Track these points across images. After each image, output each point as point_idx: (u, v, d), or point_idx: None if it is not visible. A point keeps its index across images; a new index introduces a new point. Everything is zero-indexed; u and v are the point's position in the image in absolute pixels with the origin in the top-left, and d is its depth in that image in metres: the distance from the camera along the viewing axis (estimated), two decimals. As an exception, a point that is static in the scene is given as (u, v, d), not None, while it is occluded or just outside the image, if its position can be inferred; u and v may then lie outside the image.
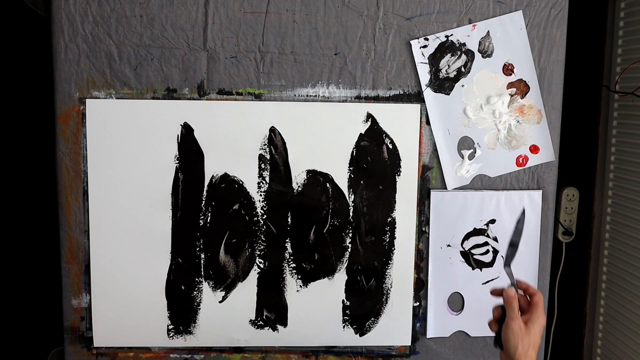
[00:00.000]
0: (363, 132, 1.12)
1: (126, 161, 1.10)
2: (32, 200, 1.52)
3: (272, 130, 1.10)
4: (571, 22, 1.13)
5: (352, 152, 1.12)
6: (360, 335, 1.18)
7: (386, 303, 1.17)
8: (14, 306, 1.56)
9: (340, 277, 1.16)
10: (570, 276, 1.43)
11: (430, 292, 1.17)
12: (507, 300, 0.91)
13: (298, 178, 1.12)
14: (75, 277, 1.13)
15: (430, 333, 1.18)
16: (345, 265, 1.16)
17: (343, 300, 1.17)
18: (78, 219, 1.11)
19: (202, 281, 1.14)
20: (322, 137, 1.11)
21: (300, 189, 1.13)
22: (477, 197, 1.15)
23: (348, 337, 1.18)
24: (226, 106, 1.10)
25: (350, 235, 1.15)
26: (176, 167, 1.11)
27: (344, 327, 1.17)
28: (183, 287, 1.14)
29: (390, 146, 1.12)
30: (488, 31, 1.11)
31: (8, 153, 1.51)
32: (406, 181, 1.13)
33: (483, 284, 1.18)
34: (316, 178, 1.13)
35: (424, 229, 1.15)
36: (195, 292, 1.14)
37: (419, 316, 1.18)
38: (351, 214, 1.14)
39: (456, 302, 1.18)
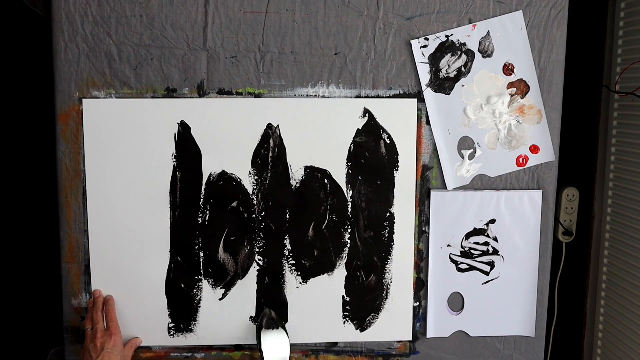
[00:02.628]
0: (360, 128, 1.12)
1: (124, 160, 1.10)
2: (32, 200, 1.52)
3: (269, 126, 1.10)
4: (571, 22, 1.13)
5: (350, 147, 1.12)
6: (361, 331, 1.18)
7: (386, 298, 1.17)
8: (14, 306, 1.56)
9: (340, 272, 1.16)
10: (570, 276, 1.43)
11: (430, 292, 1.17)
12: None
13: (296, 174, 1.12)
14: (75, 277, 1.13)
15: (430, 333, 1.18)
16: (345, 261, 1.16)
17: (343, 296, 1.17)
18: (78, 218, 1.11)
19: (201, 279, 1.14)
20: (319, 133, 1.11)
21: (298, 185, 1.13)
22: (477, 197, 1.15)
23: (348, 333, 1.18)
24: (223, 103, 1.10)
25: (349, 230, 1.15)
26: (174, 165, 1.11)
27: (344, 322, 1.17)
28: (183, 285, 1.14)
29: (388, 141, 1.12)
30: (488, 31, 1.11)
31: (8, 153, 1.51)
32: (404, 176, 1.13)
33: (483, 284, 1.18)
34: (314, 174, 1.13)
35: (423, 228, 1.15)
36: (195, 290, 1.15)
37: (419, 316, 1.18)
38: (349, 209, 1.14)
39: (456, 302, 1.18)
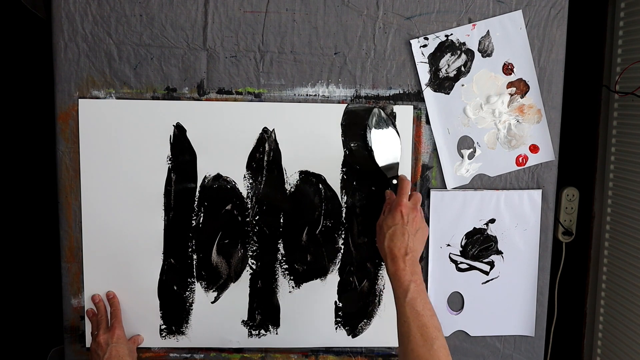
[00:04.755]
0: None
1: (119, 161, 1.09)
2: (32, 200, 1.53)
3: (265, 130, 1.10)
4: (571, 22, 1.13)
5: (345, 153, 1.12)
6: (353, 337, 1.17)
7: (378, 305, 1.17)
8: (14, 306, 1.56)
9: (333, 278, 1.15)
10: (570, 276, 1.44)
11: (430, 292, 1.17)
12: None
13: (291, 179, 1.12)
14: (75, 277, 1.13)
15: (430, 333, 1.18)
16: (338, 266, 1.15)
17: (335, 302, 1.16)
18: (78, 218, 1.11)
19: (194, 282, 1.14)
20: (315, 138, 1.11)
21: (292, 189, 1.12)
22: (476, 196, 1.15)
23: (340, 339, 1.17)
24: (219, 106, 1.09)
25: (343, 236, 1.14)
26: (169, 167, 1.10)
27: (336, 328, 1.17)
28: (175, 288, 1.14)
29: None
30: (488, 30, 1.11)
31: (8, 153, 1.52)
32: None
33: (483, 283, 1.18)
34: (309, 179, 1.12)
35: (423, 228, 1.15)
36: (187, 293, 1.14)
37: (419, 316, 1.18)
38: (344, 215, 1.14)
39: (456, 302, 1.18)
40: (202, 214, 1.12)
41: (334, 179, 1.13)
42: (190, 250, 1.13)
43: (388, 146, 1.11)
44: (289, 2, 1.08)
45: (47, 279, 1.54)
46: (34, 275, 1.56)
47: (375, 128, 1.10)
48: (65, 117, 1.08)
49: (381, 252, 1.02)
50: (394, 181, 1.09)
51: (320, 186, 1.13)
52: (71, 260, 1.12)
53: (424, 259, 1.16)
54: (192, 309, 1.15)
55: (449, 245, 1.16)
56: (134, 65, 1.08)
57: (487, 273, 1.17)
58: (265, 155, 1.11)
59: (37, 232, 1.52)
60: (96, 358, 1.06)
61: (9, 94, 1.49)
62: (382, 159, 1.10)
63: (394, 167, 1.10)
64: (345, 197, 1.13)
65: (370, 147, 1.10)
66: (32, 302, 1.56)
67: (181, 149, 1.10)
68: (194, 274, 1.14)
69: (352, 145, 1.11)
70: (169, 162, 1.10)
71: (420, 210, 1.05)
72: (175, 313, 1.15)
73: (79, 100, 1.08)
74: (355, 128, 1.11)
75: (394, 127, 1.11)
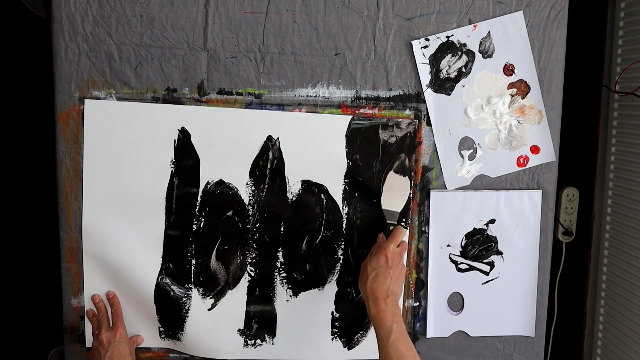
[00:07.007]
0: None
1: (122, 163, 1.09)
2: (32, 200, 1.53)
3: (270, 139, 1.10)
4: (571, 22, 1.13)
5: (348, 164, 1.12)
6: (349, 349, 1.17)
7: None
8: (14, 306, 1.56)
9: (331, 288, 1.15)
10: (570, 276, 1.44)
11: (430, 292, 1.17)
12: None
13: (293, 188, 1.12)
14: (75, 277, 1.13)
15: (430, 333, 1.18)
16: (336, 276, 1.15)
17: (332, 312, 1.16)
18: (78, 218, 1.11)
19: (191, 287, 1.13)
20: (318, 148, 1.11)
21: (294, 198, 1.12)
22: (476, 197, 1.15)
23: (336, 350, 1.17)
24: (225, 113, 1.09)
25: (343, 247, 1.14)
26: (171, 171, 1.10)
27: (332, 339, 1.16)
28: (172, 294, 1.13)
29: None
30: (489, 31, 1.11)
31: (8, 153, 1.51)
32: None
33: (483, 284, 1.18)
34: (311, 189, 1.12)
35: (423, 229, 1.15)
36: (184, 299, 1.13)
37: (419, 316, 1.18)
38: (344, 225, 1.14)
39: (456, 302, 1.19)
40: (203, 219, 1.12)
41: (336, 190, 1.12)
42: (189, 255, 1.12)
43: (397, 193, 1.12)
44: (289, 3, 1.08)
45: (47, 279, 1.54)
46: (34, 275, 1.56)
47: (394, 172, 1.11)
48: (65, 117, 1.08)
49: (362, 293, 1.04)
50: (391, 227, 1.10)
51: (322, 196, 1.12)
52: (71, 261, 1.12)
53: (424, 259, 1.16)
54: (187, 316, 1.14)
55: (449, 245, 1.16)
56: (134, 66, 1.08)
57: (487, 273, 1.18)
58: (268, 163, 1.11)
59: (37, 232, 1.52)
60: (97, 356, 1.06)
61: (9, 94, 1.49)
62: (387, 202, 1.12)
63: (395, 215, 1.12)
64: (347, 208, 1.13)
65: (382, 188, 1.11)
66: (32, 302, 1.56)
67: (185, 153, 1.09)
68: (192, 279, 1.13)
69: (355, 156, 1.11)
70: (172, 166, 1.10)
71: (403, 258, 1.08)
72: (171, 319, 1.14)
73: (85, 100, 1.08)
74: (361, 140, 1.11)
75: (411, 179, 1.12)
